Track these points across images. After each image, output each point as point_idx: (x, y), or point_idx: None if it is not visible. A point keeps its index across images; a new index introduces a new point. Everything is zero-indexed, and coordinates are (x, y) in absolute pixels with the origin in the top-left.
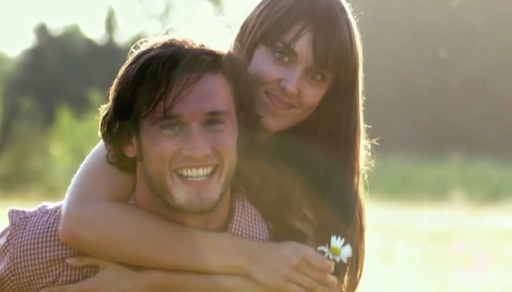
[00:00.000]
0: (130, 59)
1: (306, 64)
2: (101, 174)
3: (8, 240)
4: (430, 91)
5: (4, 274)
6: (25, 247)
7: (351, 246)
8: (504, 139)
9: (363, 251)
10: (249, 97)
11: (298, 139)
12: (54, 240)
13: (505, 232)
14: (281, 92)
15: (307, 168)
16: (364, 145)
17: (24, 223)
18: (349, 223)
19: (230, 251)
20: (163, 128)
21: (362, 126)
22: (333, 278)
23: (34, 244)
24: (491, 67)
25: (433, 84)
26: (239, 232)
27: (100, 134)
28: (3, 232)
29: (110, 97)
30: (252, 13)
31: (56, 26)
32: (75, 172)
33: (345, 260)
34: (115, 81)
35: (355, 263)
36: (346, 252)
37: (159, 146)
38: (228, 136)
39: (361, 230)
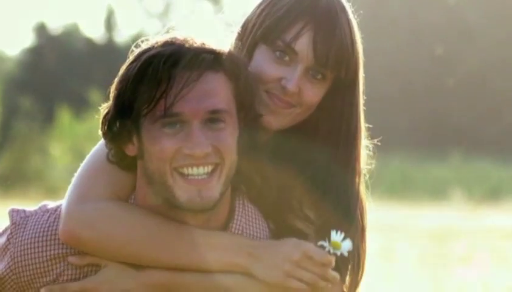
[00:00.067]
0: (131, 57)
1: (307, 63)
2: (102, 173)
3: (8, 239)
4: (429, 89)
5: (5, 273)
6: (25, 246)
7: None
8: (503, 137)
9: (364, 251)
10: (249, 95)
11: (299, 139)
12: (54, 239)
13: (504, 232)
14: (281, 91)
15: (308, 167)
16: (365, 145)
17: (24, 222)
18: (350, 223)
19: (231, 249)
20: (164, 126)
21: (363, 125)
22: (335, 274)
23: (34, 243)
24: (490, 64)
25: (431, 82)
26: (240, 231)
27: (100, 132)
28: (4, 231)
29: (111, 95)
30: (252, 12)
31: (56, 25)
32: (74, 171)
33: (345, 254)
34: (116, 80)
35: (356, 263)
36: (346, 245)
37: (159, 144)
38: (229, 135)
39: (362, 230)
